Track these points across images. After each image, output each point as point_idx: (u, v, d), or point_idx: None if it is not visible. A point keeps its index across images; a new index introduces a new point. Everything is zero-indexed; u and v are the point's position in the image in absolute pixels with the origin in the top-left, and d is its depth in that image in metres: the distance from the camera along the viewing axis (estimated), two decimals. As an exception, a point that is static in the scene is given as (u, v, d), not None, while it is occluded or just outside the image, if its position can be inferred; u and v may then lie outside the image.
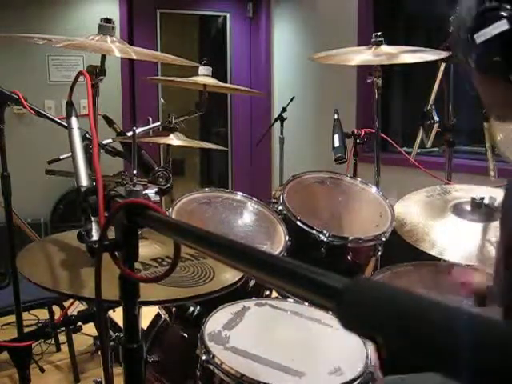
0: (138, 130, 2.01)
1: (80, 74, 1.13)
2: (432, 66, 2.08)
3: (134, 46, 1.84)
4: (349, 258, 1.79)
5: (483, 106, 0.91)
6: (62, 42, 1.60)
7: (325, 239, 1.72)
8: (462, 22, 0.84)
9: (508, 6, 0.77)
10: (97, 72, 1.70)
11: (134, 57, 1.72)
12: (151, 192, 1.51)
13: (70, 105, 1.14)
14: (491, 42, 0.79)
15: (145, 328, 1.72)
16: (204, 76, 2.27)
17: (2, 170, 1.72)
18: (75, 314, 1.39)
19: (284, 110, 3.68)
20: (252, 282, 1.63)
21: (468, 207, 1.75)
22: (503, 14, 0.77)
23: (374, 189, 2.04)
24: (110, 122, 1.90)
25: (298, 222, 1.75)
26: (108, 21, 1.73)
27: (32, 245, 1.26)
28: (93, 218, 0.91)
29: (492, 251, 1.58)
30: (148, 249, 1.18)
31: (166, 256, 1.17)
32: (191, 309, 1.50)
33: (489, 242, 1.61)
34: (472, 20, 0.81)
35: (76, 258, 1.13)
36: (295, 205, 1.82)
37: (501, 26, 0.77)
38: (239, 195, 1.91)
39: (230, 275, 1.15)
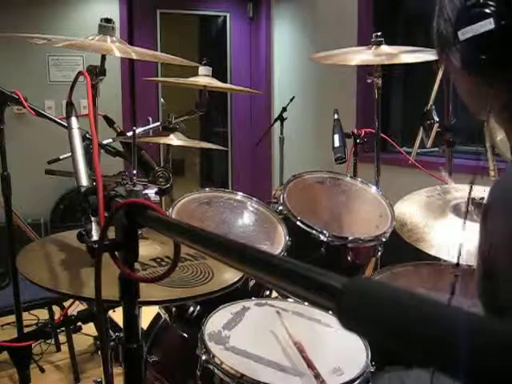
0: (138, 130, 2.01)
1: (80, 73, 1.13)
2: (432, 66, 2.08)
3: (134, 46, 1.84)
4: (349, 258, 1.79)
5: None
6: (62, 42, 1.61)
7: (325, 239, 1.72)
8: (445, 17, 0.82)
9: (492, 3, 0.75)
10: (97, 72, 1.70)
11: (134, 57, 1.72)
12: (151, 192, 1.51)
13: (69, 105, 1.14)
14: (476, 41, 0.77)
15: (145, 328, 1.72)
16: (204, 76, 2.27)
17: (2, 170, 1.72)
18: (75, 314, 1.39)
19: (284, 110, 3.68)
20: (252, 282, 1.63)
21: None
22: (488, 11, 0.75)
23: (373, 189, 2.04)
24: (110, 122, 1.89)
25: (298, 222, 1.75)
26: (108, 21, 1.73)
27: (32, 245, 1.26)
28: (93, 218, 0.91)
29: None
30: (147, 249, 1.18)
31: (165, 256, 1.17)
32: (191, 309, 1.51)
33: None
34: (456, 16, 0.79)
35: (76, 258, 1.13)
36: (295, 205, 1.82)
37: (487, 25, 0.75)
38: (239, 195, 1.92)
39: (229, 276, 1.16)
